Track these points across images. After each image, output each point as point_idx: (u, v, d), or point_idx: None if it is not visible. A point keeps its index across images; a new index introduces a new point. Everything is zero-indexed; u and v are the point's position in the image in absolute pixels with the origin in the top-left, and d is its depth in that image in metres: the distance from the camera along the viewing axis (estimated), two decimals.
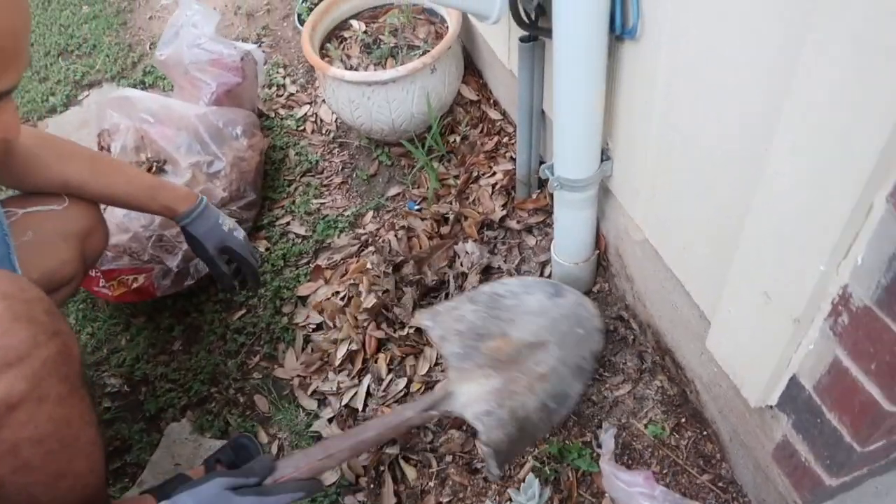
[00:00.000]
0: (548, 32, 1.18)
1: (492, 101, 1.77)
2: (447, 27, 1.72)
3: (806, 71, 0.62)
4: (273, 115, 1.96)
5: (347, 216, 1.66)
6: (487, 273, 1.45)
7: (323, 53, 1.72)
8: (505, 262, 1.48)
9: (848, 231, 0.64)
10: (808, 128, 0.64)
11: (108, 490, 1.01)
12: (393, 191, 1.70)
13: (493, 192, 1.57)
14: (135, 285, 1.45)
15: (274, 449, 1.30)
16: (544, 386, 1.07)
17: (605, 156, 1.16)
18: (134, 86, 2.14)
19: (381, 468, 1.22)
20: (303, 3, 2.17)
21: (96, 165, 1.17)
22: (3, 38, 0.66)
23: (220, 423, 1.34)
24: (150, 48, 2.29)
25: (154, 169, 1.54)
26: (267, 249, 1.62)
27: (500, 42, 1.52)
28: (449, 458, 1.22)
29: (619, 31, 0.96)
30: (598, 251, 1.33)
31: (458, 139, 1.72)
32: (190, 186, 1.51)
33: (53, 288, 1.13)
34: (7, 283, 0.80)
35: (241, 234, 1.32)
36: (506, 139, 1.68)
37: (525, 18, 1.19)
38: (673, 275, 1.09)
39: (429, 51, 1.65)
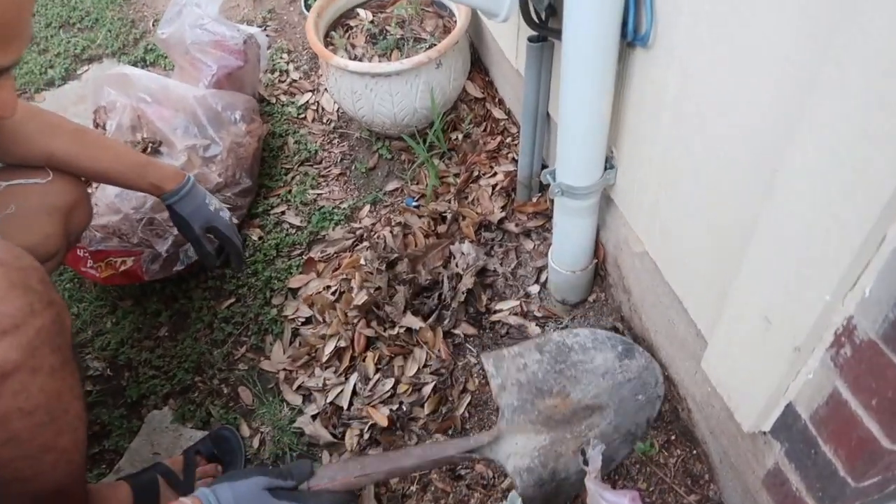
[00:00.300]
0: (558, 34, 1.15)
1: (497, 100, 1.74)
2: (455, 21, 1.69)
3: (824, 90, 0.59)
4: (274, 100, 1.93)
5: (344, 209, 1.63)
6: (483, 275, 1.43)
7: (328, 41, 1.68)
8: (501, 265, 1.45)
9: (858, 261, 0.62)
10: (823, 149, 0.61)
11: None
12: (391, 185, 1.67)
13: (492, 193, 1.54)
14: (123, 268, 1.42)
15: (255, 443, 1.27)
16: None
17: (608, 164, 1.13)
18: (135, 63, 2.10)
19: None
20: None
21: (83, 140, 1.15)
22: (6, 12, 0.63)
23: (202, 413, 1.32)
24: (152, 25, 2.25)
25: (149, 150, 1.51)
26: (260, 238, 1.59)
27: (509, 40, 1.49)
28: None
29: (630, 37, 0.93)
30: (596, 260, 1.30)
31: (460, 137, 1.68)
32: (185, 170, 1.48)
33: None
34: (2, 251, 0.79)
35: (226, 214, 1.33)
36: (509, 139, 1.65)
37: (535, 18, 1.17)
38: (671, 290, 1.07)
39: (435, 45, 1.61)
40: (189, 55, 1.64)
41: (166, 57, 2.07)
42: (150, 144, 1.52)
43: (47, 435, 0.85)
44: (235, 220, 1.32)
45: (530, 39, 1.21)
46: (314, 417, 1.28)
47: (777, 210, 0.70)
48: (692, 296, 1.01)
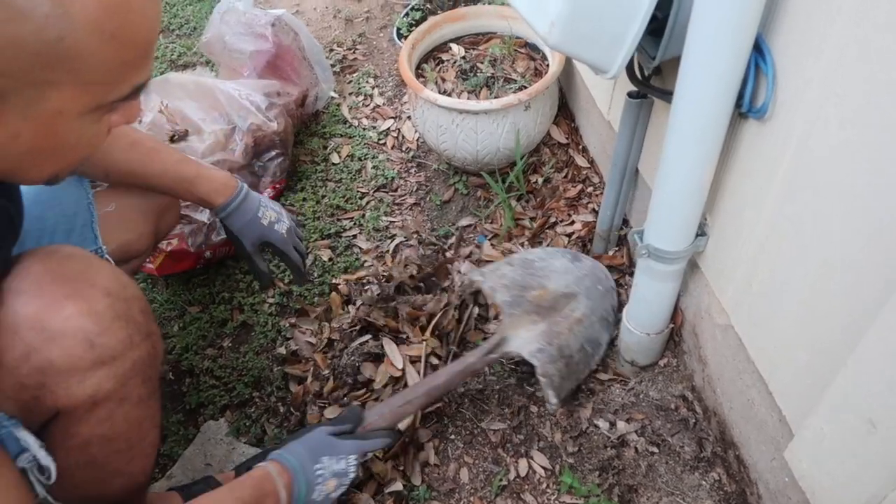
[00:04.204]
0: (660, 92, 1.13)
1: (581, 147, 1.72)
2: (547, 65, 1.68)
3: None
4: (356, 123, 1.96)
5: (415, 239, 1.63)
6: None
7: (418, 73, 1.70)
8: None
9: None
10: None
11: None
12: (465, 221, 1.66)
13: (568, 242, 1.52)
14: (170, 248, 1.46)
15: None
16: (581, 329, 1.22)
17: (700, 231, 1.10)
18: None
19: None
20: (403, 17, 2.17)
21: (132, 156, 1.09)
22: (149, 34, 0.65)
23: (257, 429, 1.32)
24: None
25: (176, 137, 1.58)
26: (330, 260, 1.60)
27: (603, 91, 1.47)
28: None
29: (745, 108, 0.91)
30: (672, 325, 1.26)
31: (539, 180, 1.67)
32: (212, 151, 1.56)
33: (125, 259, 1.15)
34: (111, 280, 0.80)
35: (283, 226, 1.22)
36: (590, 189, 1.62)
37: (638, 74, 1.15)
38: (756, 369, 1.02)
39: (525, 86, 1.61)
40: (227, 49, 1.75)
41: None
42: (177, 133, 1.58)
43: (121, 461, 0.86)
44: (287, 224, 1.25)
45: (630, 95, 1.20)
46: None
47: None
48: (781, 380, 0.96)
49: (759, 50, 0.86)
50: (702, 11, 0.82)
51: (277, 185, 1.71)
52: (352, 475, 1.01)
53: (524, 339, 1.19)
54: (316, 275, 1.57)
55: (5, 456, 0.74)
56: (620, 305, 1.32)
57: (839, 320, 0.80)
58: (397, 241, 1.62)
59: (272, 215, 1.21)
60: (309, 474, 0.96)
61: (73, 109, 0.63)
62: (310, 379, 1.36)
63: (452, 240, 1.60)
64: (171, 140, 1.57)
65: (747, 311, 1.03)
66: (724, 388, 1.16)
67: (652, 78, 1.16)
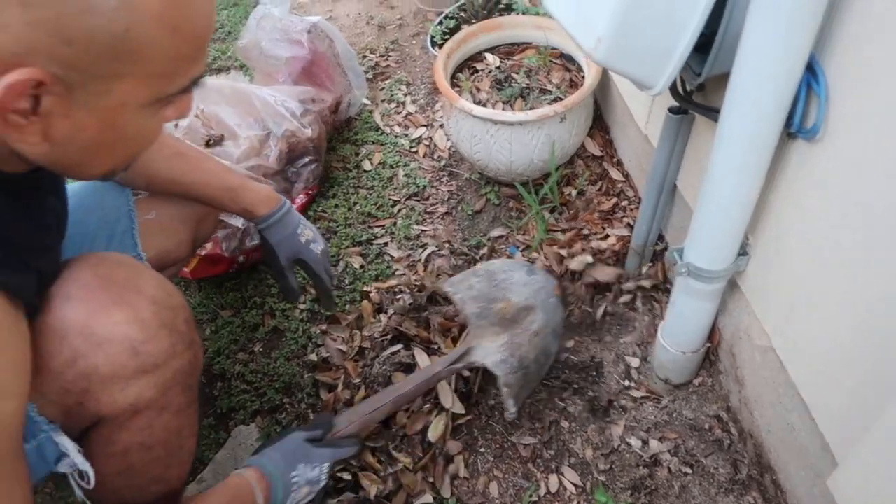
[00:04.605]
0: (703, 109, 1.12)
1: (615, 160, 1.70)
2: (582, 76, 1.67)
3: None
4: (388, 130, 1.96)
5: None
6: None
7: (453, 82, 1.70)
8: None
9: None
10: None
11: None
12: (496, 232, 1.65)
13: (601, 255, 1.50)
14: (204, 252, 1.47)
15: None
16: (538, 341, 1.26)
17: (742, 250, 1.08)
18: None
19: None
20: (437, 25, 2.17)
21: (178, 164, 1.09)
22: (206, 28, 0.65)
23: None
24: None
25: (212, 141, 1.60)
26: (361, 267, 1.61)
27: (641, 104, 1.46)
28: None
29: (795, 128, 0.89)
30: (709, 345, 1.25)
31: (573, 193, 1.66)
32: (248, 156, 1.58)
33: (163, 267, 1.15)
34: (157, 288, 0.80)
35: (318, 247, 1.23)
36: (625, 203, 1.61)
37: (681, 90, 1.14)
38: (797, 393, 1.00)
39: (560, 98, 1.60)
40: (263, 55, 1.77)
41: None
42: (212, 138, 1.61)
43: (159, 469, 0.86)
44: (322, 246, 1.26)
45: (671, 110, 1.18)
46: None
47: None
48: (826, 406, 0.94)
49: (811, 71, 0.84)
50: (754, 31, 0.81)
51: (310, 192, 1.72)
52: (323, 482, 1.02)
53: (487, 350, 1.22)
54: (347, 282, 1.58)
55: (22, 463, 0.70)
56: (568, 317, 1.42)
57: (891, 346, 0.79)
58: (429, 250, 1.62)
59: (309, 234, 1.22)
60: (286, 481, 0.96)
61: (135, 102, 0.63)
62: (340, 387, 1.36)
63: (484, 250, 1.60)
64: (207, 145, 1.59)
65: (790, 334, 1.01)
66: (761, 410, 1.14)
67: (694, 94, 1.14)
